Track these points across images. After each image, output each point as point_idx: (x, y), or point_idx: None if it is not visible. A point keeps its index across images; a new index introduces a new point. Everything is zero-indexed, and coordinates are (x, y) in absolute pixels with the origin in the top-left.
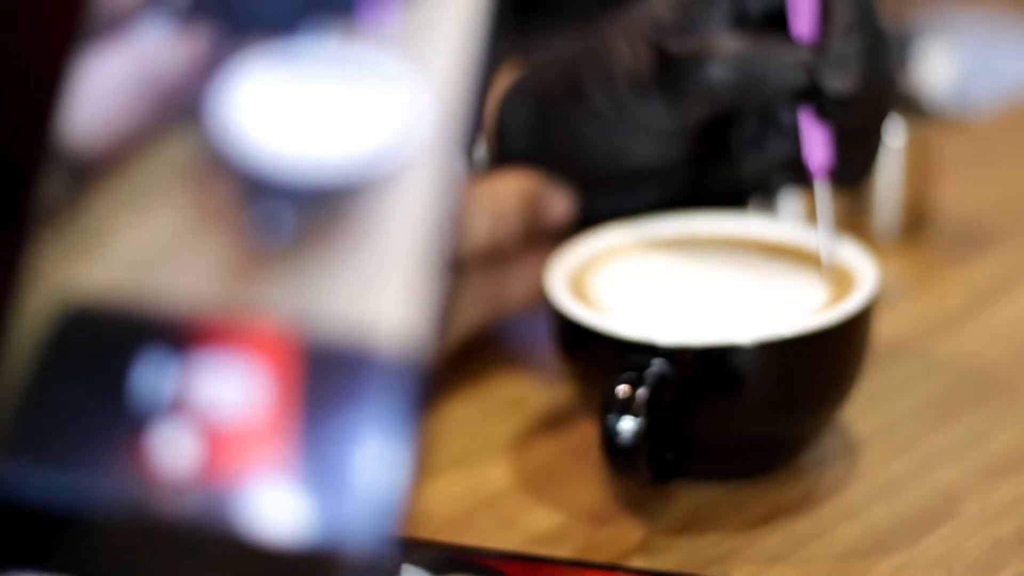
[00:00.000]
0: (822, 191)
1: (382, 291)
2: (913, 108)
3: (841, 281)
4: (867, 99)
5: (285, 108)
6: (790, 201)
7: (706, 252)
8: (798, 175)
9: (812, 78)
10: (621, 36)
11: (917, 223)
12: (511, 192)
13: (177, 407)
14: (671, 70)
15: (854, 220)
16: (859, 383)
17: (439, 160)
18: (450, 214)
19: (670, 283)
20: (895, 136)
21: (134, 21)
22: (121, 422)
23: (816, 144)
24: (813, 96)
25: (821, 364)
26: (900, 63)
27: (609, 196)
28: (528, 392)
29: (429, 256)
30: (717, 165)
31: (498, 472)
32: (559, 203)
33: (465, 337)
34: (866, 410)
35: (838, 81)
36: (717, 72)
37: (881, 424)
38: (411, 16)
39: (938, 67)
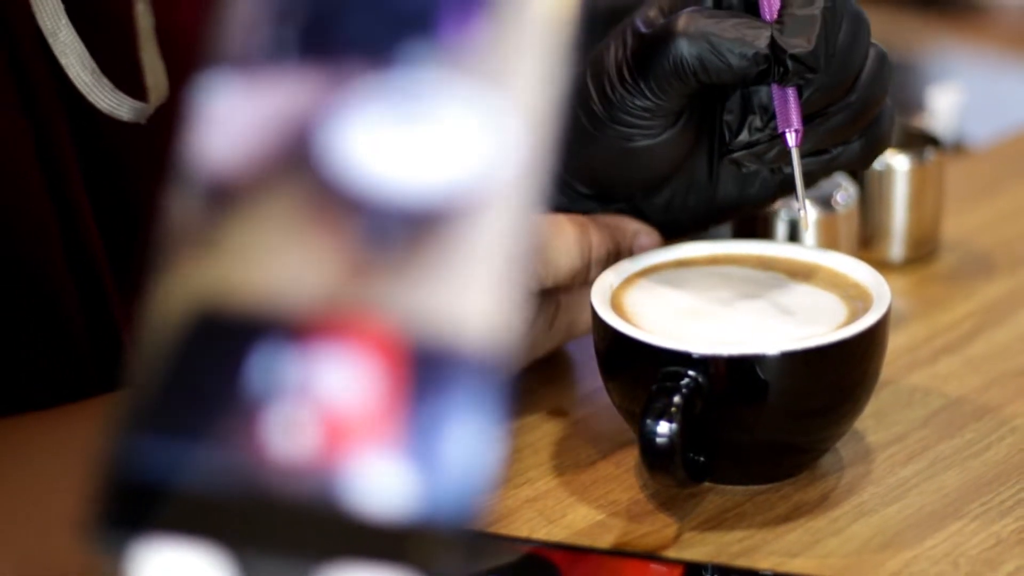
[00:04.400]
0: (796, 159)
1: (473, 295)
2: (920, 139)
3: (858, 300)
4: (840, 66)
5: (390, 137)
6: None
7: (734, 273)
8: (779, 150)
9: (774, 45)
10: (614, 37)
11: (926, 248)
12: (596, 225)
13: (294, 394)
14: (645, 50)
15: (867, 246)
16: (873, 396)
17: (525, 181)
18: (533, 230)
19: (702, 300)
20: (903, 165)
21: (254, 62)
22: (245, 407)
23: (787, 112)
24: (778, 64)
25: (839, 375)
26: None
27: (623, 204)
28: (571, 402)
29: (514, 265)
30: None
31: (543, 473)
32: (647, 238)
33: (540, 357)
34: (880, 421)
35: (795, 41)
36: (685, 47)
37: (893, 434)
38: (497, 48)
39: (944, 101)
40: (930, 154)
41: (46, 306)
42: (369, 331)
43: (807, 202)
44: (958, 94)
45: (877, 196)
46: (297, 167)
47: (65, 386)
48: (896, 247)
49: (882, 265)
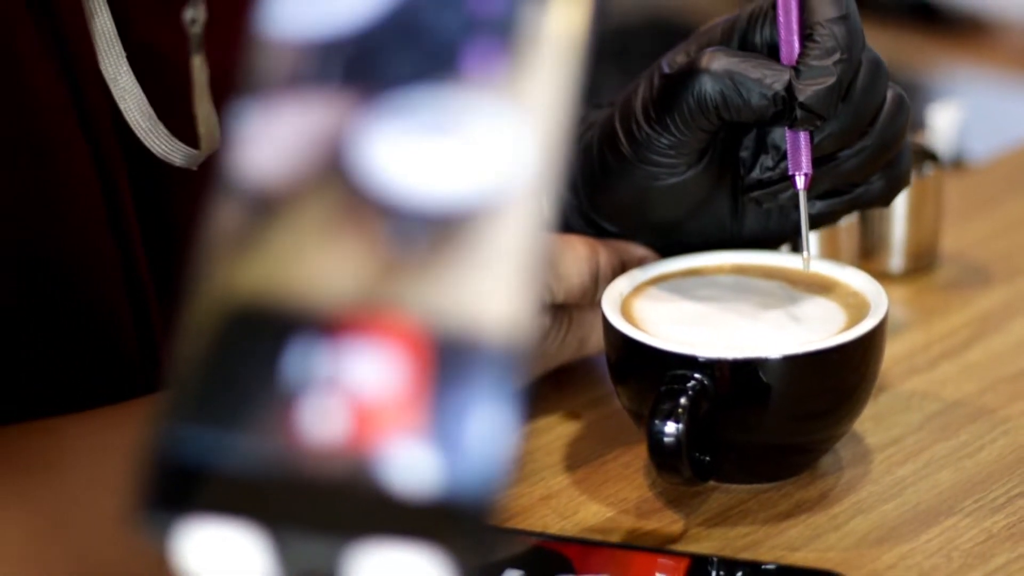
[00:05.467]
0: (803, 201)
1: (492, 292)
2: (920, 155)
3: (857, 308)
4: (855, 112)
5: (413, 149)
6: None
7: (741, 283)
8: (792, 191)
9: (790, 90)
10: (642, 79)
11: (925, 260)
12: (605, 246)
13: (326, 385)
14: (669, 87)
15: (868, 257)
16: (872, 399)
17: (538, 190)
18: (546, 243)
19: (709, 308)
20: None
21: (289, 86)
22: (279, 396)
23: (798, 156)
24: (792, 107)
25: (839, 378)
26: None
27: (649, 239)
28: (582, 405)
29: (529, 264)
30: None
31: (556, 473)
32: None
33: (551, 369)
34: (878, 423)
35: (808, 89)
36: (708, 83)
37: (891, 435)
38: (513, 69)
39: (944, 118)
40: (929, 169)
41: (99, 319)
42: (396, 328)
43: (812, 242)
44: (958, 111)
45: (877, 209)
46: (328, 178)
47: (114, 392)
48: (896, 259)
49: (882, 276)
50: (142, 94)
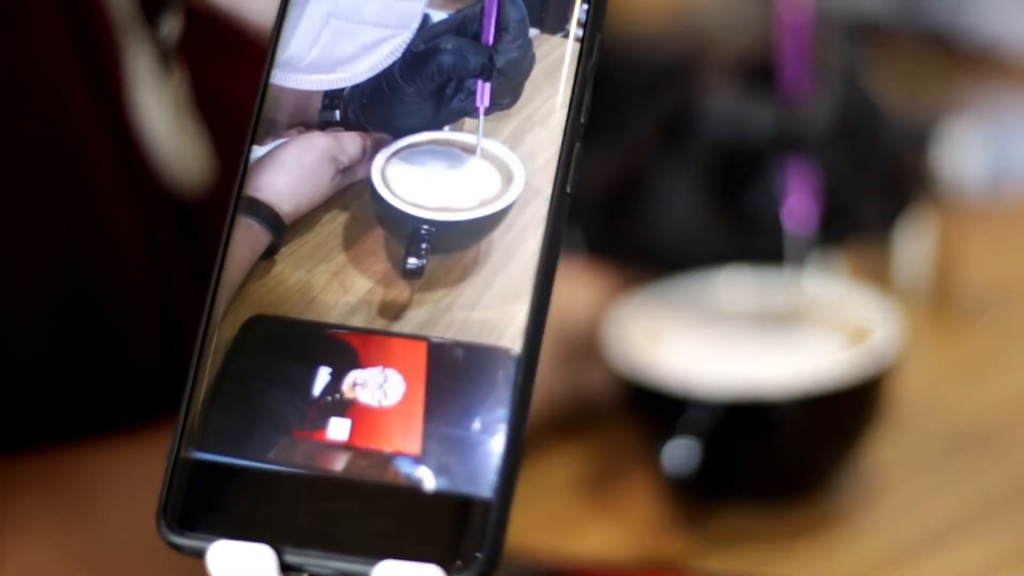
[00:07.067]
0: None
1: (495, 308)
2: (940, 186)
3: (867, 337)
4: (848, 155)
5: (424, 178)
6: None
7: (746, 316)
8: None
9: (789, 127)
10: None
11: (941, 292)
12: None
13: (341, 392)
14: (677, 126)
15: (886, 285)
16: (881, 424)
17: (539, 215)
18: (547, 255)
19: (720, 342)
20: (923, 213)
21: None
22: (296, 403)
23: (794, 192)
24: (789, 143)
25: (847, 413)
26: (917, 143)
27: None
28: (592, 423)
29: (531, 283)
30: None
31: (564, 490)
32: None
33: (548, 413)
34: (886, 444)
35: (806, 129)
36: (712, 122)
37: (899, 456)
38: (516, 114)
39: (964, 148)
40: (947, 199)
41: (131, 345)
42: (404, 336)
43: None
44: (975, 140)
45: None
46: (339, 199)
47: (142, 412)
48: (911, 290)
49: (896, 302)
50: (171, 124)
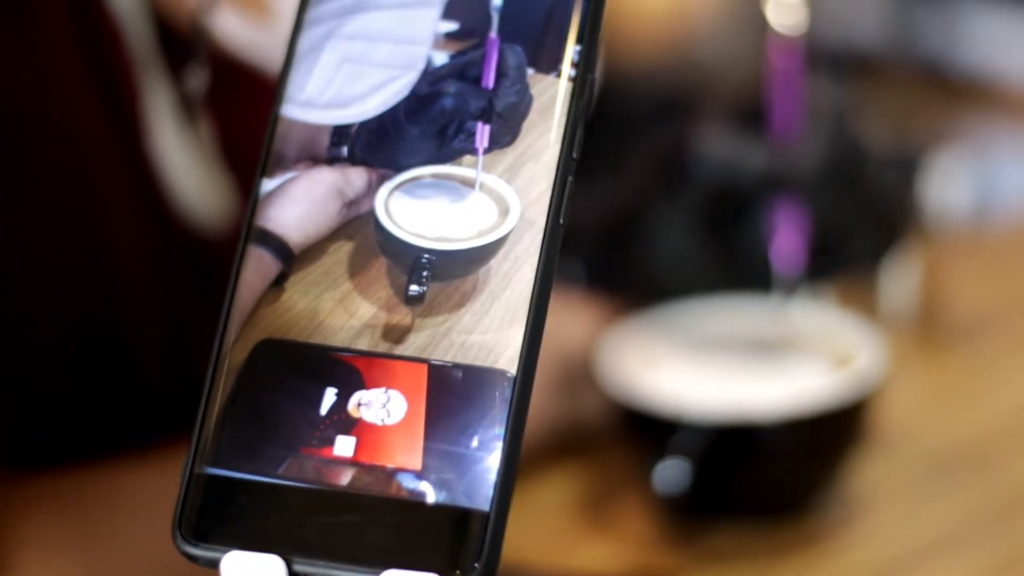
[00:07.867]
0: (785, 275)
1: (493, 332)
2: (926, 216)
3: (853, 360)
4: (836, 196)
5: (425, 210)
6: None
7: (736, 343)
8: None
9: (779, 168)
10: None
11: (927, 319)
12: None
13: (346, 412)
14: (672, 167)
15: (872, 314)
16: (870, 443)
17: (534, 244)
18: (542, 282)
19: (709, 366)
20: (909, 243)
21: (319, 156)
22: (304, 422)
23: (783, 230)
24: (779, 184)
25: (834, 435)
26: (905, 179)
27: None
28: (587, 440)
29: (527, 308)
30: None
31: (560, 507)
32: None
33: (546, 436)
34: (868, 466)
35: (796, 171)
36: (705, 164)
37: (888, 474)
38: (512, 149)
39: (950, 178)
40: (934, 228)
41: (139, 361)
42: (406, 358)
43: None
44: (968, 171)
45: (881, 261)
46: (350, 232)
47: (153, 433)
48: (897, 314)
49: (882, 329)
50: (191, 167)
